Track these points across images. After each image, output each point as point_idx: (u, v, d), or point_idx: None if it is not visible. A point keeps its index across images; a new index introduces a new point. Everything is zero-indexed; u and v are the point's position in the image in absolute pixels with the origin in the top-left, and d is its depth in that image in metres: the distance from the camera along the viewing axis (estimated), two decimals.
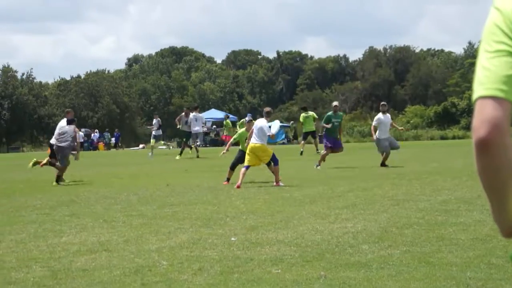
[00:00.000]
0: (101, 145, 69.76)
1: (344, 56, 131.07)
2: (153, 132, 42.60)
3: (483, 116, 2.18)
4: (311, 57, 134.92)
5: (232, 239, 9.92)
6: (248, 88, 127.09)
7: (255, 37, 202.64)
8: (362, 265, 7.96)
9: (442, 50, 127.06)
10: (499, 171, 2.20)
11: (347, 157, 31.14)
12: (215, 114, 75.83)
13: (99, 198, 16.13)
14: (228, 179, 19.00)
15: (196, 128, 34.96)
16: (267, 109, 19.84)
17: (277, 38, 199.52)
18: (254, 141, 18.30)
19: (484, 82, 2.23)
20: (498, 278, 7.13)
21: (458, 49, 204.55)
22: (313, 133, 35.81)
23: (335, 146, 24.60)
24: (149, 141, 42.75)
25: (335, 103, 25.33)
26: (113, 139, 74.99)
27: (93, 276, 7.87)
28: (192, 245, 9.54)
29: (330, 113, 25.06)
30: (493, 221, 2.35)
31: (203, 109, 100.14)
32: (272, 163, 18.40)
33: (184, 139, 35.76)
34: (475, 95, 2.23)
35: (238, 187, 17.34)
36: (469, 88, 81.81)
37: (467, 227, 10.13)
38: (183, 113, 35.71)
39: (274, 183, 17.93)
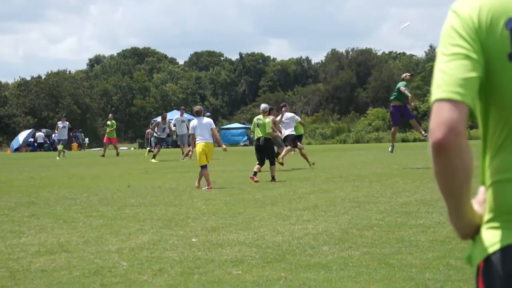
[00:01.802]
0: (74, 145, 69.24)
1: (307, 58, 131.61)
2: (59, 137, 42.29)
3: (439, 119, 2.20)
4: (274, 59, 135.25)
5: (193, 240, 9.90)
6: (211, 89, 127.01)
7: (217, 38, 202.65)
8: (322, 266, 7.98)
9: (404, 53, 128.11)
10: (455, 173, 2.22)
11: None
12: (176, 115, 75.57)
13: (59, 199, 15.99)
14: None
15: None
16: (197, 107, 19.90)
17: (240, 39, 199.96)
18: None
19: (441, 85, 2.25)
20: (457, 279, 7.19)
21: (419, 52, 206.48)
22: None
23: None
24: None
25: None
26: (86, 139, 74.67)
27: (52, 277, 7.80)
28: (152, 246, 9.50)
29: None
30: (450, 223, 2.38)
31: (165, 110, 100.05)
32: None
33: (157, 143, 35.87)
34: (432, 98, 2.25)
35: (210, 188, 17.53)
36: (430, 91, 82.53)
37: (427, 229, 10.20)
38: (160, 119, 36.28)
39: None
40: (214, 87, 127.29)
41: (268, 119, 20.68)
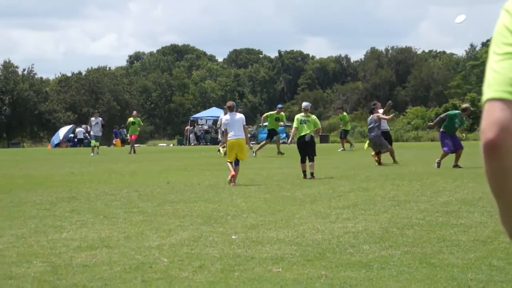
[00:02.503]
0: (118, 141, 69.64)
1: (346, 56, 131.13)
2: (93, 133, 41.74)
3: (491, 119, 2.17)
4: (313, 57, 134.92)
5: (233, 237, 9.91)
6: (249, 87, 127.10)
7: (256, 36, 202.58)
8: (363, 265, 7.94)
9: (444, 52, 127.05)
10: (508, 173, 2.18)
11: (348, 157, 31.18)
12: (216, 112, 75.60)
13: (100, 194, 16.11)
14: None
15: None
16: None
17: (279, 37, 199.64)
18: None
19: (492, 84, 2.21)
20: (499, 280, 7.12)
21: (459, 51, 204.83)
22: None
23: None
24: (147, 139, 42.42)
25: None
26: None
27: (94, 272, 7.86)
28: (192, 243, 9.53)
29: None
30: (501, 224, 2.34)
31: (203, 107, 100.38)
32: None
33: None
34: (484, 98, 2.22)
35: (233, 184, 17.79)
36: (471, 90, 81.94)
37: (468, 229, 10.11)
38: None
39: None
40: (252, 85, 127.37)
41: (314, 116, 20.82)
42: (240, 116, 18.85)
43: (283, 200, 14.31)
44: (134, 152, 41.01)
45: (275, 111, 35.34)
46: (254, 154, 31.81)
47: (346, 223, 10.98)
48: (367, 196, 14.50)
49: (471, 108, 25.71)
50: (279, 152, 33.58)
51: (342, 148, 38.55)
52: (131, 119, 41.72)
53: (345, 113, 40.01)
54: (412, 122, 71.36)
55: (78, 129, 70.51)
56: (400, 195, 14.61)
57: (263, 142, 35.22)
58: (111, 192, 16.48)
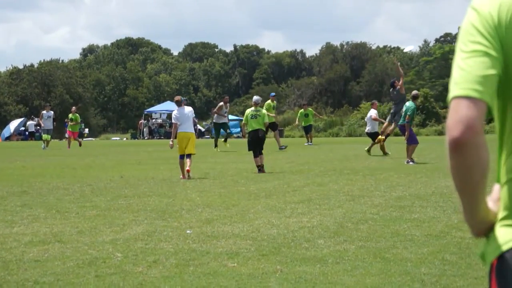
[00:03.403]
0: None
1: (301, 51, 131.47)
2: (45, 126, 40.19)
3: (457, 116, 2.17)
4: (268, 52, 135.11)
5: (188, 231, 9.86)
6: (204, 81, 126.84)
7: (212, 30, 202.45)
8: (318, 259, 7.96)
9: (398, 48, 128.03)
10: (471, 170, 2.19)
11: (302, 152, 31.25)
12: (170, 106, 75.37)
13: (52, 188, 15.93)
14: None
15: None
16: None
17: (234, 31, 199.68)
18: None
19: (459, 82, 2.22)
20: (452, 274, 7.18)
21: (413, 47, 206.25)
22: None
23: None
24: (100, 133, 41.49)
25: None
26: (86, 130, 74.46)
27: (46, 267, 7.76)
28: (147, 237, 9.47)
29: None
30: (464, 220, 2.35)
31: (158, 101, 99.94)
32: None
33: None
34: (450, 95, 2.22)
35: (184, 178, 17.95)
36: (424, 85, 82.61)
37: (422, 223, 10.19)
38: (222, 103, 33.23)
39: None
40: (207, 79, 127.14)
41: (264, 111, 20.82)
42: (188, 109, 18.91)
43: (238, 194, 14.29)
44: (80, 144, 39.84)
45: (270, 99, 33.98)
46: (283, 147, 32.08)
47: (301, 217, 10.99)
48: (322, 191, 14.54)
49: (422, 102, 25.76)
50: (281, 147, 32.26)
51: (309, 143, 37.94)
52: (70, 115, 40.61)
53: (310, 109, 39.76)
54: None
55: (29, 122, 69.67)
56: (354, 190, 14.67)
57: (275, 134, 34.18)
58: (63, 186, 16.30)
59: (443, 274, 7.18)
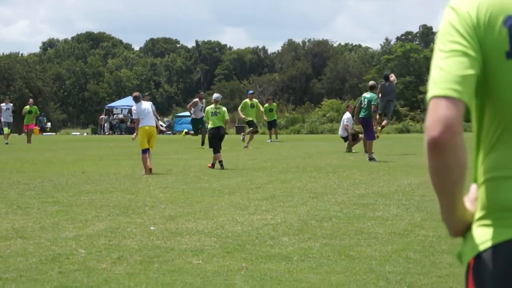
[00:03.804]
0: (36, 129, 68.17)
1: (263, 48, 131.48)
2: (3, 119, 39.17)
3: (436, 116, 2.18)
4: (230, 48, 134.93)
5: (151, 228, 9.82)
6: (166, 76, 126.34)
7: (174, 25, 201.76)
8: (282, 257, 7.96)
9: (360, 45, 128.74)
10: (450, 170, 2.20)
11: (265, 149, 31.26)
12: (131, 101, 75.00)
13: (12, 183, 15.76)
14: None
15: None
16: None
17: (196, 27, 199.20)
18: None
19: (438, 81, 2.22)
20: (416, 272, 7.22)
21: (375, 45, 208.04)
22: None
23: None
24: (60, 128, 40.72)
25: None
26: (49, 124, 73.80)
27: (8, 263, 7.67)
28: (110, 234, 9.40)
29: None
30: (442, 220, 2.35)
31: (119, 96, 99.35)
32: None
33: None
34: (429, 94, 2.22)
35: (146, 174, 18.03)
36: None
37: (385, 221, 10.24)
38: (197, 99, 32.36)
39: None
40: (169, 74, 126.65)
41: (224, 108, 20.83)
42: (147, 105, 19.04)
43: (201, 191, 14.25)
44: (29, 141, 38.82)
45: (247, 98, 33.56)
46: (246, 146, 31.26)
47: (265, 215, 10.99)
48: (285, 188, 14.55)
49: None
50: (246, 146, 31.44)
51: (270, 140, 37.17)
52: (27, 107, 39.83)
53: (274, 104, 39.24)
54: (328, 115, 71.99)
55: None
56: (317, 187, 14.70)
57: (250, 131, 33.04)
58: (24, 182, 16.14)
59: (408, 272, 7.23)
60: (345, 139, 28.09)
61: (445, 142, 2.16)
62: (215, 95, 21.55)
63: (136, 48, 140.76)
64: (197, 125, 31.90)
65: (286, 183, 15.56)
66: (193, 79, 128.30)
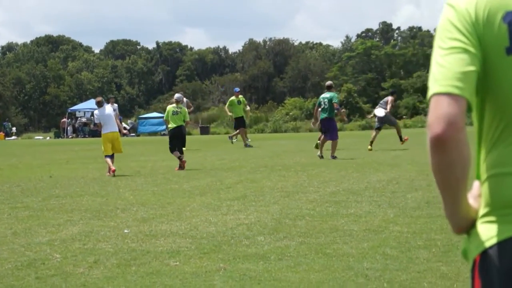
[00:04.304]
0: (1, 135, 67.49)
1: (224, 47, 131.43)
2: None
3: (438, 113, 2.18)
4: (191, 48, 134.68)
5: (125, 231, 9.76)
6: (127, 78, 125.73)
7: (134, 26, 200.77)
8: (260, 256, 7.95)
9: (320, 44, 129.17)
10: (453, 167, 2.20)
11: (230, 148, 31.23)
12: (93, 104, 74.50)
13: None
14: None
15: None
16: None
17: (157, 28, 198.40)
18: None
19: (439, 79, 2.23)
20: (394, 268, 7.25)
21: (335, 43, 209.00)
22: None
23: None
24: (22, 132, 40.67)
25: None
26: (14, 129, 73.18)
27: None
28: (84, 238, 9.33)
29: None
30: (445, 217, 2.36)
31: (80, 99, 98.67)
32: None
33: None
34: (430, 92, 2.23)
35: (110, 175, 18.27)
36: (347, 81, 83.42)
37: (359, 218, 10.27)
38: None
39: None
40: (130, 76, 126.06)
41: (185, 108, 20.93)
42: (109, 109, 19.10)
43: (172, 192, 14.20)
44: None
45: (234, 96, 32.07)
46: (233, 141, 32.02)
47: (238, 214, 10.98)
48: (256, 188, 14.54)
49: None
50: (246, 145, 31.34)
51: (234, 139, 34.21)
52: None
53: (241, 96, 35.20)
54: (291, 113, 72.17)
55: None
56: (288, 186, 14.71)
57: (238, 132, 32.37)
58: None
59: (386, 268, 7.25)
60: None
61: (448, 138, 2.16)
62: (177, 95, 21.59)
63: (96, 50, 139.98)
64: None
65: (256, 183, 15.55)
66: (154, 81, 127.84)
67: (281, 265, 7.52)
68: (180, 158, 19.81)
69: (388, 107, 26.32)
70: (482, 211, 2.34)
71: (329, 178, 15.98)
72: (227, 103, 32.37)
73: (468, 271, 6.43)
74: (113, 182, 16.56)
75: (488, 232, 2.29)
